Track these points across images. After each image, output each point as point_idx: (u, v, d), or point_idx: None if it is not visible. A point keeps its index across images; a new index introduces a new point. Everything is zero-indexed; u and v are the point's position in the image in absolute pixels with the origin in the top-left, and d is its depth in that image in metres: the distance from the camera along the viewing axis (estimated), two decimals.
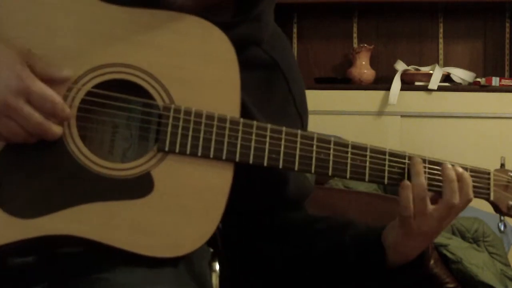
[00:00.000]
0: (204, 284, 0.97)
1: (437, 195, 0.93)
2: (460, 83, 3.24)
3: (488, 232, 2.19)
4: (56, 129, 0.81)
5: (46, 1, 0.85)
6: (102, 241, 0.81)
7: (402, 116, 3.18)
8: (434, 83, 3.14)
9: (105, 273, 0.81)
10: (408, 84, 3.21)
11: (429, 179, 0.93)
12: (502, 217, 1.00)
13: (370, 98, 3.21)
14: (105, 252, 0.82)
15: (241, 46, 0.92)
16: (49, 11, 0.84)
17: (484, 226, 2.20)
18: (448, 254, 1.99)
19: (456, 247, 2.02)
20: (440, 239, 2.03)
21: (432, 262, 1.86)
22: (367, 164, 0.92)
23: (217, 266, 1.07)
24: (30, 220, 0.80)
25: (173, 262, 0.86)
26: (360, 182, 2.35)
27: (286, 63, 1.05)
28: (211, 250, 1.07)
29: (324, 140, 0.91)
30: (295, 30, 3.63)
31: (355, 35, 3.59)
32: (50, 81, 0.82)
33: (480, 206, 2.56)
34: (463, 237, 2.16)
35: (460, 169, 0.94)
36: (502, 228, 0.99)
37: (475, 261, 2.00)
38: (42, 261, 0.86)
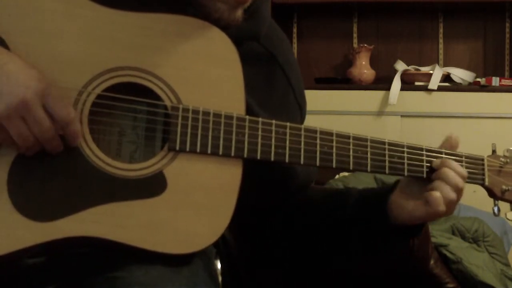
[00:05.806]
0: (217, 280, 0.98)
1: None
2: (460, 83, 3.24)
3: (488, 232, 2.19)
4: (59, 145, 0.81)
5: (50, 7, 0.85)
6: (118, 240, 0.82)
7: (402, 116, 3.18)
8: (434, 83, 3.14)
9: (120, 272, 0.81)
10: (408, 84, 3.21)
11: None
12: (496, 202, 1.03)
13: (370, 98, 3.21)
14: (120, 251, 0.82)
15: (239, 42, 0.92)
16: (53, 17, 0.85)
17: (484, 226, 2.20)
18: (448, 254, 1.99)
19: (456, 247, 2.02)
20: (440, 239, 2.03)
21: (432, 262, 1.85)
22: (369, 155, 0.94)
23: (218, 265, 1.08)
24: (48, 223, 0.80)
25: (188, 259, 0.87)
26: (360, 182, 2.36)
27: (283, 56, 1.06)
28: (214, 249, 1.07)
29: (326, 133, 0.93)
30: (295, 30, 3.63)
31: (355, 35, 3.60)
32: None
33: (480, 206, 2.57)
34: (463, 237, 2.16)
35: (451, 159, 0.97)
36: (496, 212, 1.02)
37: (475, 261, 2.00)
38: (54, 261, 0.86)
